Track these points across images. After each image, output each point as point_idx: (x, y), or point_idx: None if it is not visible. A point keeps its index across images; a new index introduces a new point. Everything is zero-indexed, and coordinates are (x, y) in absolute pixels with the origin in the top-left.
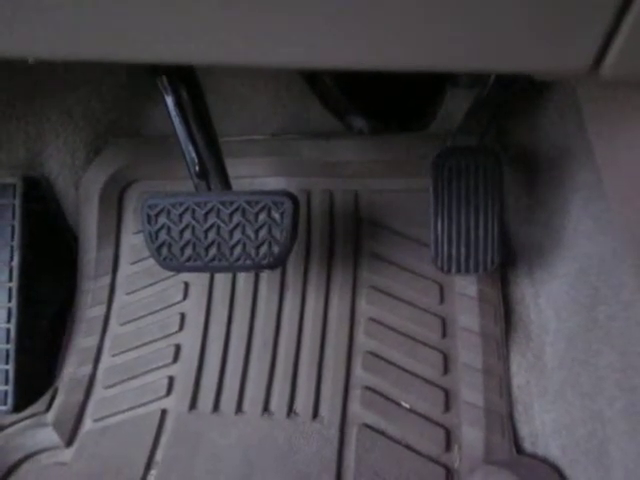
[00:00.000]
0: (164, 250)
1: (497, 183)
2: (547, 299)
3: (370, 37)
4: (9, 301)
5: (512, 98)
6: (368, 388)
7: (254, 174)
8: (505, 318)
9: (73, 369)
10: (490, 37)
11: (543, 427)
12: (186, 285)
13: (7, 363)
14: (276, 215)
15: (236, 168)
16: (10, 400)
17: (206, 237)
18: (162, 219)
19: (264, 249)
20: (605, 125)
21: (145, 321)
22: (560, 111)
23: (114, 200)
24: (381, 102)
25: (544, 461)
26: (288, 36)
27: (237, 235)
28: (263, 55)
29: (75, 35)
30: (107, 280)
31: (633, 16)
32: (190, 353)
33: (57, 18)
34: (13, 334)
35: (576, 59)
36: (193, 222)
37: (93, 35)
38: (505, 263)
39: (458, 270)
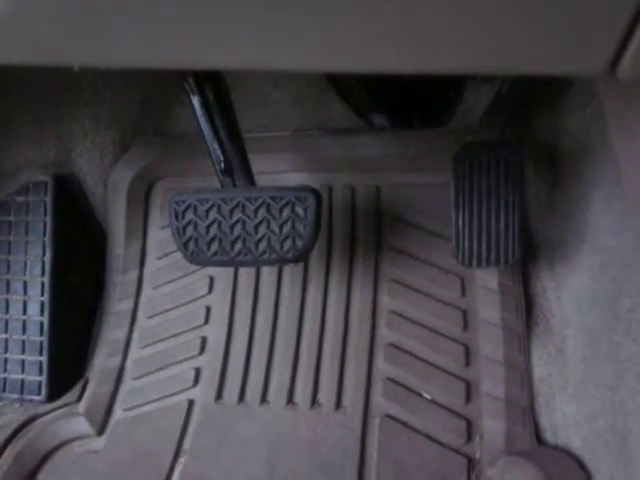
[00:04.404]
0: (191, 245)
1: (517, 177)
2: (568, 292)
3: (394, 42)
4: (42, 295)
5: (532, 92)
6: (390, 380)
7: (276, 170)
8: (526, 311)
9: (103, 360)
10: (510, 41)
11: (564, 419)
12: (211, 279)
13: (41, 354)
14: (300, 210)
15: (258, 164)
16: (44, 390)
17: (232, 232)
18: (189, 215)
19: (288, 243)
20: (625, 123)
21: (172, 314)
22: (581, 105)
23: (141, 196)
24: (402, 98)
25: (565, 452)
26: (314, 41)
27: (262, 230)
28: (292, 60)
29: (113, 44)
30: (135, 274)
31: None
32: (216, 345)
33: (98, 28)
34: (46, 326)
35: (593, 62)
36: (219, 218)
37: (127, 43)
38: (526, 257)
39: (479, 263)
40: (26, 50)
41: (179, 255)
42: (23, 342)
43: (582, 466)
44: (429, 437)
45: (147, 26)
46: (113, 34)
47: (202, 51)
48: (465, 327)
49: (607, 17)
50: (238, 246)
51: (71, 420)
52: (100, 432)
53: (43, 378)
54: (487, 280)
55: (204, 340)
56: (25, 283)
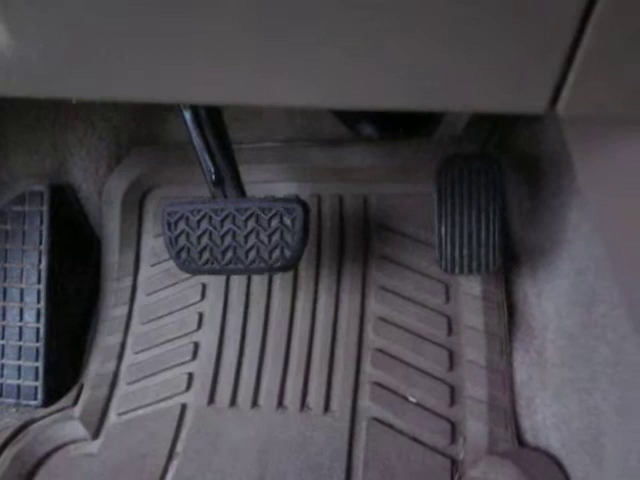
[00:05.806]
0: (183, 254)
1: (498, 188)
2: (548, 298)
3: (353, 85)
4: (38, 302)
5: None
6: (377, 384)
7: (266, 180)
8: (508, 316)
9: (98, 366)
10: (452, 83)
11: (544, 421)
12: (204, 286)
13: (37, 360)
14: (288, 221)
15: (249, 174)
16: (40, 395)
17: (222, 242)
18: (181, 225)
19: (277, 253)
20: (582, 136)
21: (165, 320)
22: (558, 117)
23: (135, 205)
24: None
25: (545, 453)
26: (308, 81)
27: (251, 240)
28: (289, 97)
29: (108, 79)
30: (129, 281)
31: (579, 61)
32: (208, 350)
33: (94, 64)
34: (42, 333)
35: (533, 101)
36: (210, 228)
37: (124, 79)
38: (508, 264)
39: (461, 271)
40: (22, 84)
41: (172, 263)
42: (20, 348)
43: (561, 466)
44: (414, 439)
45: (143, 63)
46: (109, 70)
47: (200, 88)
48: (449, 332)
49: (543, 61)
50: (229, 255)
51: (66, 424)
52: (95, 436)
53: (39, 383)
54: (471, 287)
55: (196, 346)
56: (22, 290)
